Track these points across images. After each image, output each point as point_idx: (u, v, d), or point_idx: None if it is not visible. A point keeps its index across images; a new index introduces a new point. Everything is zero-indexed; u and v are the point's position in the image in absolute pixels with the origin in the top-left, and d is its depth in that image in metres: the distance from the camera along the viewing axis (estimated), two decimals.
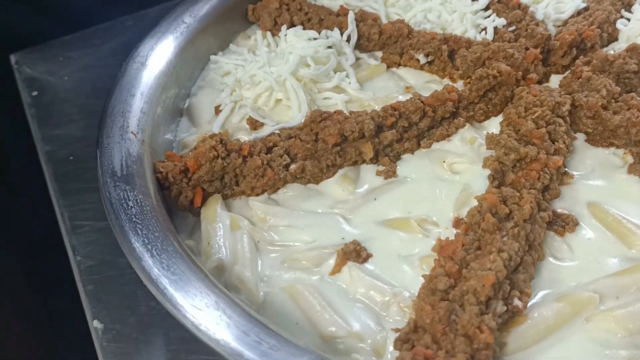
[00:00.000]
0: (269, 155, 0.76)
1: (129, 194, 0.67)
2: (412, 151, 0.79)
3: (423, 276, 0.61)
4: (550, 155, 0.70)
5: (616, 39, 0.89)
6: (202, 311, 0.54)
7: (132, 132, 0.76)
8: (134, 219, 0.63)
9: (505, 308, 0.57)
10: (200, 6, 0.97)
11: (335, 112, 0.78)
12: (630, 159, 0.73)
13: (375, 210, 0.73)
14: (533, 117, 0.73)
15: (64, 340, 0.92)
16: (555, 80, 0.85)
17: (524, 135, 0.72)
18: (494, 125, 0.81)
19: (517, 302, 0.58)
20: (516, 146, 0.70)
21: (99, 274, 0.83)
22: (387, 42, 0.94)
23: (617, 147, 0.74)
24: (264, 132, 0.79)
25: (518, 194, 0.66)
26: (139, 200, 0.66)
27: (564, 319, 0.58)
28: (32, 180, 1.03)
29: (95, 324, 0.77)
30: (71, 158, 1.03)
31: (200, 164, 0.74)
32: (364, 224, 0.71)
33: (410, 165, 0.78)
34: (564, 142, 0.73)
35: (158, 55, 0.89)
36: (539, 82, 0.85)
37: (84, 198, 0.94)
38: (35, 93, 1.18)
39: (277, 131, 0.80)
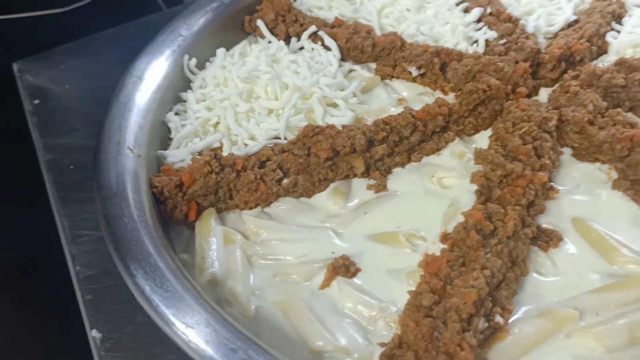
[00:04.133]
0: (262, 169, 0.78)
1: (124, 210, 0.69)
2: (402, 165, 0.81)
3: (409, 292, 0.62)
4: (535, 172, 0.71)
5: (606, 52, 0.90)
6: (193, 329, 0.56)
7: (128, 148, 0.78)
8: (128, 236, 0.65)
9: (487, 324, 0.59)
10: (197, 18, 0.99)
11: (327, 126, 0.80)
12: (614, 175, 0.74)
13: (365, 224, 0.74)
14: (520, 132, 0.75)
15: (62, 350, 0.94)
16: (544, 94, 0.87)
17: (511, 151, 0.73)
18: (483, 139, 0.82)
19: (498, 319, 0.60)
20: (502, 162, 0.71)
21: (97, 283, 0.85)
22: (381, 54, 0.95)
23: (603, 162, 0.75)
24: (256, 146, 0.81)
25: (503, 210, 0.67)
26: (134, 216, 0.68)
27: (545, 335, 0.60)
28: (33, 189, 1.05)
29: (93, 333, 0.79)
30: (72, 167, 1.05)
31: (195, 178, 0.76)
32: (354, 238, 0.73)
33: (400, 179, 0.79)
34: (550, 158, 0.74)
35: (155, 69, 0.90)
36: (529, 96, 0.86)
37: (85, 207, 0.96)
38: (37, 101, 1.20)
39: (270, 145, 0.81)
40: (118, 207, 0.69)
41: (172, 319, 0.57)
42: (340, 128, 0.80)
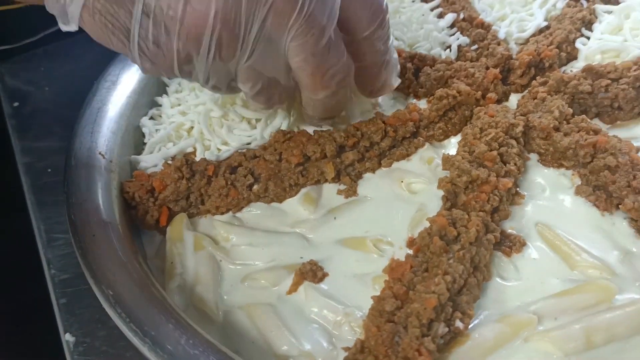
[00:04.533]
0: (233, 175, 0.79)
1: (94, 216, 0.69)
2: (373, 170, 0.82)
3: (372, 297, 0.63)
4: (500, 178, 0.72)
5: (576, 58, 0.91)
6: (155, 336, 0.57)
7: (99, 153, 0.78)
8: (96, 242, 0.66)
9: (447, 329, 0.60)
10: None
11: (298, 132, 0.81)
12: (578, 181, 0.75)
13: (334, 229, 0.75)
14: (487, 138, 0.76)
15: (36, 354, 0.94)
16: (514, 100, 0.88)
17: (477, 157, 0.74)
18: (453, 144, 0.83)
19: (458, 324, 0.61)
20: (468, 168, 0.72)
21: (72, 287, 0.86)
22: None
23: (567, 168, 0.77)
24: (228, 151, 0.82)
25: (467, 216, 0.68)
26: (102, 223, 0.69)
27: (503, 339, 0.61)
28: (10, 192, 1.05)
29: (67, 337, 0.80)
30: (49, 170, 1.06)
31: (166, 184, 0.76)
32: (322, 243, 0.74)
33: (370, 184, 0.80)
34: (516, 164, 0.75)
35: (130, 73, 0.91)
36: (499, 101, 0.87)
37: (61, 211, 0.95)
38: (16, 104, 1.20)
39: (242, 151, 0.82)
40: (87, 213, 0.69)
41: (136, 326, 0.58)
42: (311, 133, 0.81)
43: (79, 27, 0.64)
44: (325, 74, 0.69)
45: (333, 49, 0.67)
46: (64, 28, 0.64)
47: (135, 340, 0.58)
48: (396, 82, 0.82)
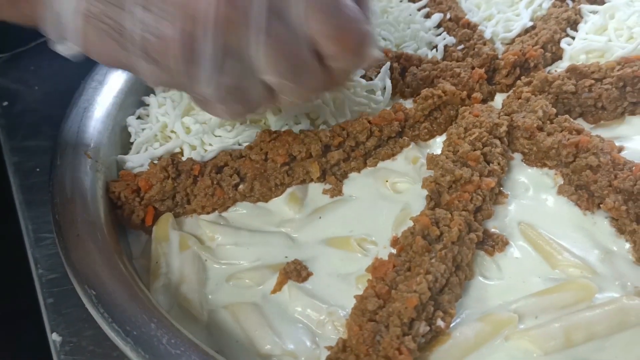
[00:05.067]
0: (219, 175, 0.79)
1: (78, 216, 0.70)
2: (358, 170, 0.82)
3: (355, 296, 0.64)
4: (483, 177, 0.73)
5: (561, 58, 0.92)
6: (137, 336, 0.57)
7: (85, 153, 0.79)
8: (80, 242, 0.66)
9: (428, 328, 0.60)
10: None
11: (284, 131, 0.81)
12: (560, 180, 0.76)
13: (319, 228, 0.76)
14: (471, 138, 0.76)
15: (22, 353, 0.95)
16: (499, 99, 0.88)
17: (461, 156, 0.75)
18: (438, 144, 0.84)
19: (440, 322, 0.61)
20: (452, 168, 0.73)
21: (59, 286, 0.86)
22: None
23: (550, 167, 0.77)
24: (214, 151, 0.82)
25: (450, 215, 0.69)
26: (87, 223, 0.69)
27: (484, 338, 0.62)
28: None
29: (54, 337, 0.80)
30: (38, 170, 1.06)
31: (152, 184, 0.77)
32: (307, 242, 0.75)
33: (356, 183, 0.81)
34: (499, 164, 0.76)
35: (116, 73, 0.91)
36: (484, 101, 0.88)
37: (48, 210, 0.96)
38: (5, 103, 1.20)
39: (228, 150, 0.82)
40: (71, 213, 0.70)
41: (118, 326, 0.58)
42: (297, 133, 0.82)
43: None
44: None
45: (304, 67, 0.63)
46: (63, 50, 0.61)
47: (118, 340, 0.58)
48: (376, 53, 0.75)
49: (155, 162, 0.80)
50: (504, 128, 0.78)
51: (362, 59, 0.66)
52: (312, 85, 0.66)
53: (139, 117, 0.91)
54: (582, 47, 0.89)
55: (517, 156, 0.80)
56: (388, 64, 0.91)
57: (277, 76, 0.62)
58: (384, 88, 0.90)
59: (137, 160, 0.83)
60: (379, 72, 0.92)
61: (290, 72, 0.62)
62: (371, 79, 0.92)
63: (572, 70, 0.83)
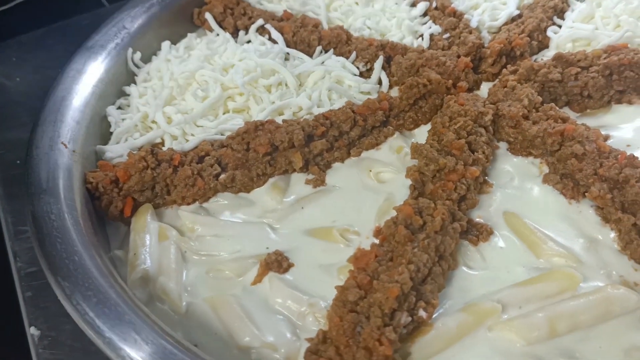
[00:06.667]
0: (200, 164, 0.77)
1: (53, 207, 0.68)
2: (342, 160, 0.81)
3: (336, 287, 0.62)
4: (468, 166, 0.72)
5: (547, 47, 0.91)
6: (114, 327, 0.56)
7: (62, 143, 0.77)
8: (54, 233, 0.65)
9: (410, 319, 0.59)
10: (142, 11, 0.97)
11: (267, 121, 0.80)
12: (545, 169, 0.75)
13: (301, 219, 0.75)
14: (455, 127, 0.75)
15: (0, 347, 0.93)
16: (485, 88, 0.87)
17: (445, 145, 0.74)
18: (423, 133, 0.83)
19: (422, 313, 0.60)
20: (436, 157, 0.72)
21: (38, 280, 0.84)
22: (327, 48, 0.95)
23: (535, 156, 0.76)
24: (194, 141, 0.80)
25: (433, 205, 0.68)
26: (62, 214, 0.67)
27: (467, 328, 0.60)
28: None
29: (32, 331, 0.79)
30: (18, 162, 1.04)
31: (130, 174, 0.75)
32: (289, 233, 0.73)
33: (339, 174, 0.80)
34: (484, 152, 0.75)
35: (96, 62, 0.89)
36: (470, 90, 0.87)
37: None
38: None
39: (210, 140, 0.81)
40: (46, 204, 0.68)
41: (90, 318, 0.57)
42: (280, 123, 0.80)
43: None
44: None
45: None
46: None
47: (90, 333, 0.57)
48: None
49: (135, 152, 0.78)
50: (489, 117, 0.77)
51: None
52: None
53: (119, 107, 0.89)
54: (569, 35, 0.87)
55: (503, 145, 0.79)
56: (381, 58, 0.90)
57: None
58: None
59: (116, 151, 0.81)
60: (367, 62, 0.91)
61: None
62: (358, 69, 0.91)
63: (559, 59, 0.82)
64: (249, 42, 0.98)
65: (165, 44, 0.97)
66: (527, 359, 0.59)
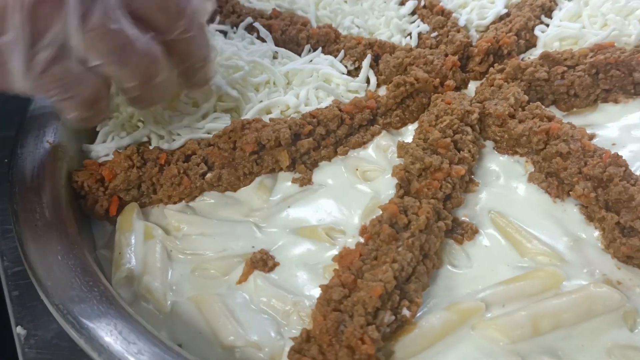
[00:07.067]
0: (186, 163, 0.77)
1: (37, 205, 0.68)
2: (329, 158, 0.81)
3: (320, 286, 0.62)
4: (453, 165, 0.72)
5: (535, 45, 0.91)
6: (92, 328, 0.56)
7: (47, 141, 0.76)
8: (38, 232, 0.64)
9: (393, 318, 0.59)
10: None
11: (254, 120, 0.80)
12: (531, 168, 0.75)
13: (288, 218, 0.74)
14: (441, 125, 0.75)
15: None
16: (473, 87, 0.87)
17: (431, 144, 0.74)
18: (410, 132, 0.83)
19: (405, 312, 0.60)
20: (421, 155, 0.72)
21: (25, 279, 0.84)
22: (315, 46, 0.95)
23: (521, 155, 0.76)
24: (180, 140, 0.80)
25: (418, 203, 0.68)
26: (46, 212, 0.67)
27: (450, 327, 0.61)
28: None
29: (18, 330, 0.78)
30: (6, 160, 1.03)
31: (116, 173, 0.75)
32: (275, 232, 0.73)
33: (326, 172, 0.79)
34: (470, 151, 0.75)
35: None
36: (457, 89, 0.87)
37: None
38: None
39: (196, 139, 0.80)
40: (30, 202, 0.68)
41: (72, 318, 0.57)
42: (267, 121, 0.80)
43: None
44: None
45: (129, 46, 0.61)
46: None
47: (72, 332, 0.56)
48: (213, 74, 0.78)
49: (121, 151, 0.78)
50: (475, 115, 0.77)
51: (187, 19, 0.65)
52: (141, 63, 0.63)
53: None
54: (556, 34, 0.88)
55: (489, 144, 0.79)
56: (369, 57, 0.90)
57: (99, 57, 0.60)
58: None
59: (102, 150, 0.81)
60: (355, 60, 0.91)
61: (113, 52, 0.60)
62: (346, 67, 0.91)
63: (545, 57, 0.82)
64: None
65: None
66: (510, 357, 0.59)
